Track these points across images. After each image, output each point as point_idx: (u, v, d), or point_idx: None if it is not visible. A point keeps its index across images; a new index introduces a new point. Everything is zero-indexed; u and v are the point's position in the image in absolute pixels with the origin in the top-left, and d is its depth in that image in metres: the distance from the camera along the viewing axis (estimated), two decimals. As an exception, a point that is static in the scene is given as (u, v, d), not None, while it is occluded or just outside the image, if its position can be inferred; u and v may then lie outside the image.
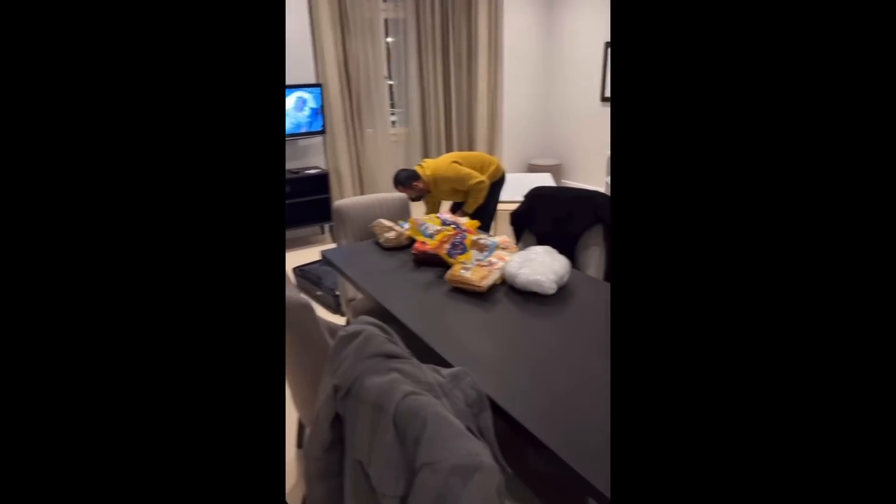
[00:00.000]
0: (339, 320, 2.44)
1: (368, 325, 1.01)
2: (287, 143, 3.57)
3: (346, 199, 2.12)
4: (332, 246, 3.54)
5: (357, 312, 1.86)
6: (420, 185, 2.56)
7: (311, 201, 3.57)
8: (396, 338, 1.02)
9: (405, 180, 2.54)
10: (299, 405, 1.41)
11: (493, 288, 1.45)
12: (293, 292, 1.25)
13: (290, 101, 3.42)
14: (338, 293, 2.58)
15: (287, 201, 3.46)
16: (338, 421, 0.94)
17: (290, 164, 3.63)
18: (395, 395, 0.81)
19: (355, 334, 0.98)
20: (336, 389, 0.90)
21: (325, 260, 1.82)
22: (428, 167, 2.60)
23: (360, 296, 1.98)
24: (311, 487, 0.98)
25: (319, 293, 2.77)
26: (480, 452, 0.73)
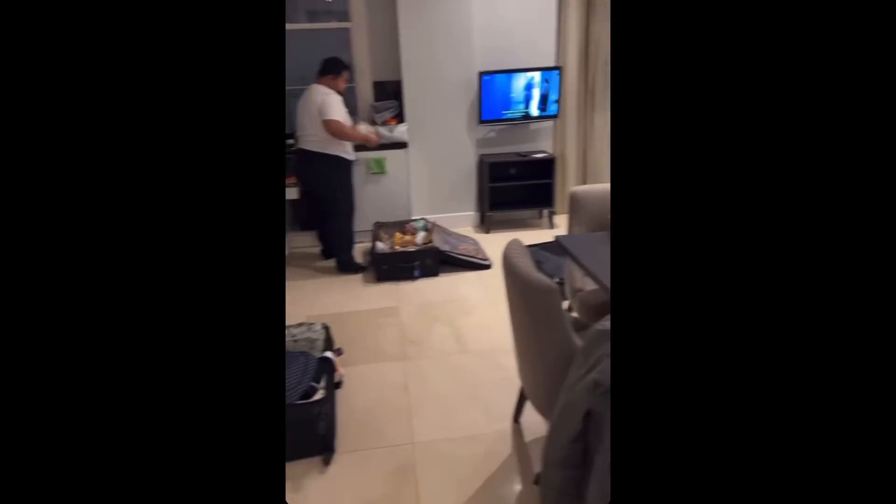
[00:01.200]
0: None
1: (630, 325, 0.95)
2: (518, 126, 3.67)
3: (583, 187, 2.06)
4: (555, 231, 3.54)
5: (584, 305, 1.82)
6: None
7: (534, 185, 3.60)
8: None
9: None
10: (526, 379, 1.45)
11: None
12: (539, 274, 1.27)
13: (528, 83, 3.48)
14: (558, 280, 2.57)
15: (511, 183, 3.57)
16: (588, 415, 0.92)
17: (519, 147, 3.72)
18: (671, 408, 0.74)
19: (617, 331, 0.93)
20: (596, 385, 0.88)
21: (559, 245, 1.80)
22: None
23: (587, 287, 1.92)
24: (550, 472, 0.99)
25: (536, 276, 2.80)
26: None
